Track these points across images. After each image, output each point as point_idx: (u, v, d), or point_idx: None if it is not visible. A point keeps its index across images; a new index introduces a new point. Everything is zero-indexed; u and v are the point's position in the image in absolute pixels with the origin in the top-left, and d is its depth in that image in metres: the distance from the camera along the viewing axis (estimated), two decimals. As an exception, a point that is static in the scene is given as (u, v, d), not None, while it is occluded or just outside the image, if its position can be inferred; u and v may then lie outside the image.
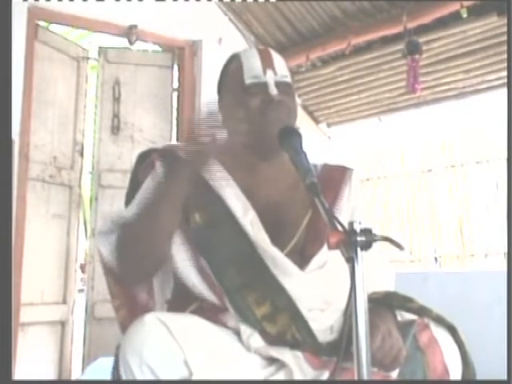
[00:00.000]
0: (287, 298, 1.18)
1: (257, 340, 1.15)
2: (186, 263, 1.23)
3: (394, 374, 1.11)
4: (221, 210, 1.25)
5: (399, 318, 1.22)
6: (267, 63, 1.33)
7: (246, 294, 1.18)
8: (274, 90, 1.29)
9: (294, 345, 1.15)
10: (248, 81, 1.31)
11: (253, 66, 1.33)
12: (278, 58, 1.37)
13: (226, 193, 1.27)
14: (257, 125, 1.29)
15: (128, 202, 1.36)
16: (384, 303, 1.21)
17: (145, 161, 1.36)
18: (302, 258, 1.25)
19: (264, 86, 1.30)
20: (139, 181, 1.35)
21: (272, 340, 1.16)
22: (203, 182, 1.28)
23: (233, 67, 1.38)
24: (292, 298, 1.18)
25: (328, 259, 1.25)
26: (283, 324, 1.16)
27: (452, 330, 1.20)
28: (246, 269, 1.20)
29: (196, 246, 1.24)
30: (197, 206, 1.25)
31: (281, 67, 1.35)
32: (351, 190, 1.38)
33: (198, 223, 1.24)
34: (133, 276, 1.28)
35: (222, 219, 1.25)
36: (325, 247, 1.22)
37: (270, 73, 1.32)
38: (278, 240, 1.24)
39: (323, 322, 1.21)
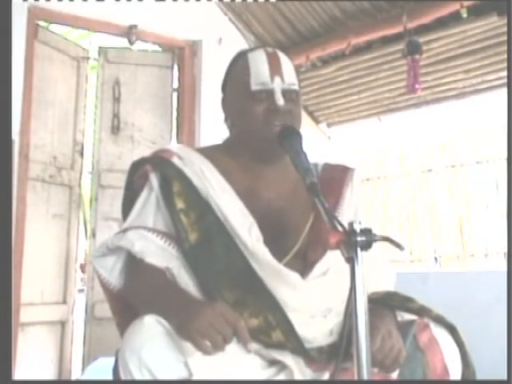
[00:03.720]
0: (281, 314, 1.15)
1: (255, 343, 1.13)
2: (183, 276, 1.21)
3: (394, 374, 1.11)
4: (215, 224, 1.22)
5: (399, 319, 1.21)
6: (275, 69, 1.29)
7: (241, 309, 1.14)
8: (280, 100, 1.26)
9: (292, 351, 1.14)
10: (254, 87, 1.28)
11: (260, 71, 1.29)
12: (286, 63, 1.32)
13: (222, 202, 1.23)
14: (261, 131, 1.27)
15: (125, 212, 1.35)
16: (384, 303, 1.21)
17: (138, 170, 1.34)
18: (304, 264, 1.23)
19: (270, 93, 1.27)
20: (135, 190, 1.33)
21: (270, 346, 1.15)
22: (196, 197, 1.25)
23: (239, 69, 1.34)
24: (286, 314, 1.14)
25: (331, 266, 1.23)
26: (277, 338, 1.14)
27: (452, 330, 1.20)
28: (239, 285, 1.17)
29: (191, 263, 1.21)
30: (190, 224, 1.22)
31: (289, 73, 1.31)
32: (353, 192, 1.37)
33: (190, 242, 1.21)
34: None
35: (216, 235, 1.21)
36: (328, 253, 1.20)
37: (277, 80, 1.28)
38: (280, 246, 1.22)
39: (325, 327, 1.21)
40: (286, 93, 1.28)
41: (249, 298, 1.15)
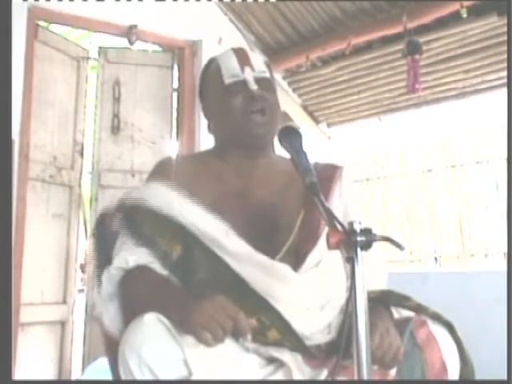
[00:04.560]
0: (274, 313, 1.15)
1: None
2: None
3: (393, 372, 1.11)
4: (192, 239, 1.22)
5: (396, 315, 1.22)
6: (244, 61, 1.36)
7: None
8: (253, 86, 1.33)
9: (291, 349, 1.14)
10: (227, 80, 1.34)
11: (230, 65, 1.36)
12: (254, 56, 1.40)
13: (194, 218, 1.23)
14: (241, 122, 1.31)
15: (100, 264, 1.33)
16: (381, 302, 1.21)
17: (103, 221, 1.37)
18: (296, 258, 1.24)
19: (243, 83, 1.33)
20: (107, 238, 1.34)
21: (267, 345, 1.15)
22: (165, 221, 1.24)
23: (211, 70, 1.41)
24: (279, 312, 1.15)
25: (323, 257, 1.24)
26: (274, 338, 1.14)
27: (449, 327, 1.20)
28: (227, 293, 1.15)
29: (177, 278, 1.22)
30: (166, 243, 1.23)
31: (258, 64, 1.38)
32: (342, 188, 1.39)
33: (171, 259, 1.22)
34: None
35: (195, 249, 1.22)
36: (319, 245, 1.23)
37: (247, 70, 1.35)
38: (273, 243, 1.23)
39: (322, 320, 1.21)
40: (259, 81, 1.35)
41: (239, 303, 1.12)
